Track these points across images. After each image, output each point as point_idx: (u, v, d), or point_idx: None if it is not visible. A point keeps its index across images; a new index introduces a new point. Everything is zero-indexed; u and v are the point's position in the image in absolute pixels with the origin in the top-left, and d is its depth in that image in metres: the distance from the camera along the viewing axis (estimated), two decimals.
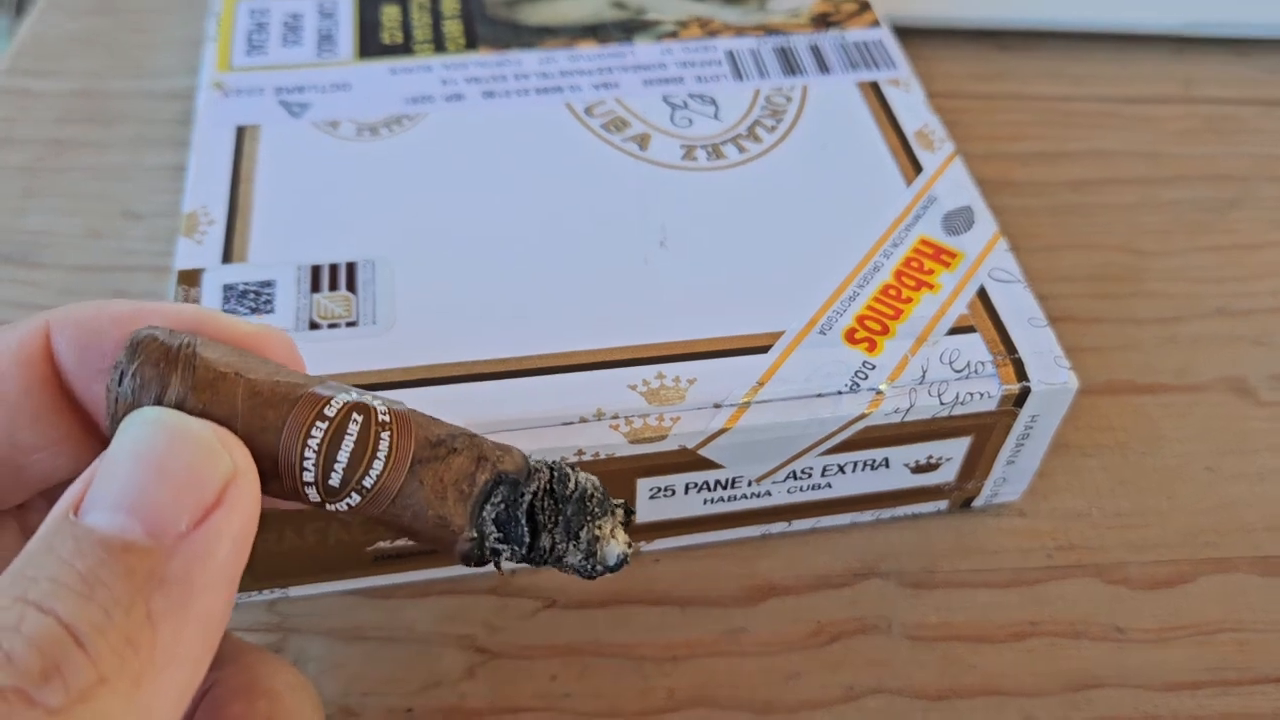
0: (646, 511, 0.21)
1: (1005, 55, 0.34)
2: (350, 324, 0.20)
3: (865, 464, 0.21)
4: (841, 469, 0.21)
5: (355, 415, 0.13)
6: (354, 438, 0.13)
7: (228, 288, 0.21)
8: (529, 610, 0.21)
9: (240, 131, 0.24)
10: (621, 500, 0.15)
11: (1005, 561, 0.23)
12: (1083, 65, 0.34)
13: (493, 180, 0.23)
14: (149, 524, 0.12)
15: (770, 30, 0.27)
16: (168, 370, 0.13)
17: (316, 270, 0.21)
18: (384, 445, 0.13)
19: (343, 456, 0.13)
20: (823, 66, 0.26)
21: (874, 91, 0.26)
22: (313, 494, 0.13)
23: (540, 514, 0.14)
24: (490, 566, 0.14)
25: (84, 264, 0.27)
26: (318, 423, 0.13)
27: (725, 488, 0.21)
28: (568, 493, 0.14)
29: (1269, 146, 0.32)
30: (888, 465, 0.21)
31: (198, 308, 0.15)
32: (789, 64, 0.26)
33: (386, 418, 0.13)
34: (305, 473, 0.13)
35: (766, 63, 0.26)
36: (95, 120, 0.31)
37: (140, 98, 0.32)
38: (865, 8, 0.28)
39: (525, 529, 0.14)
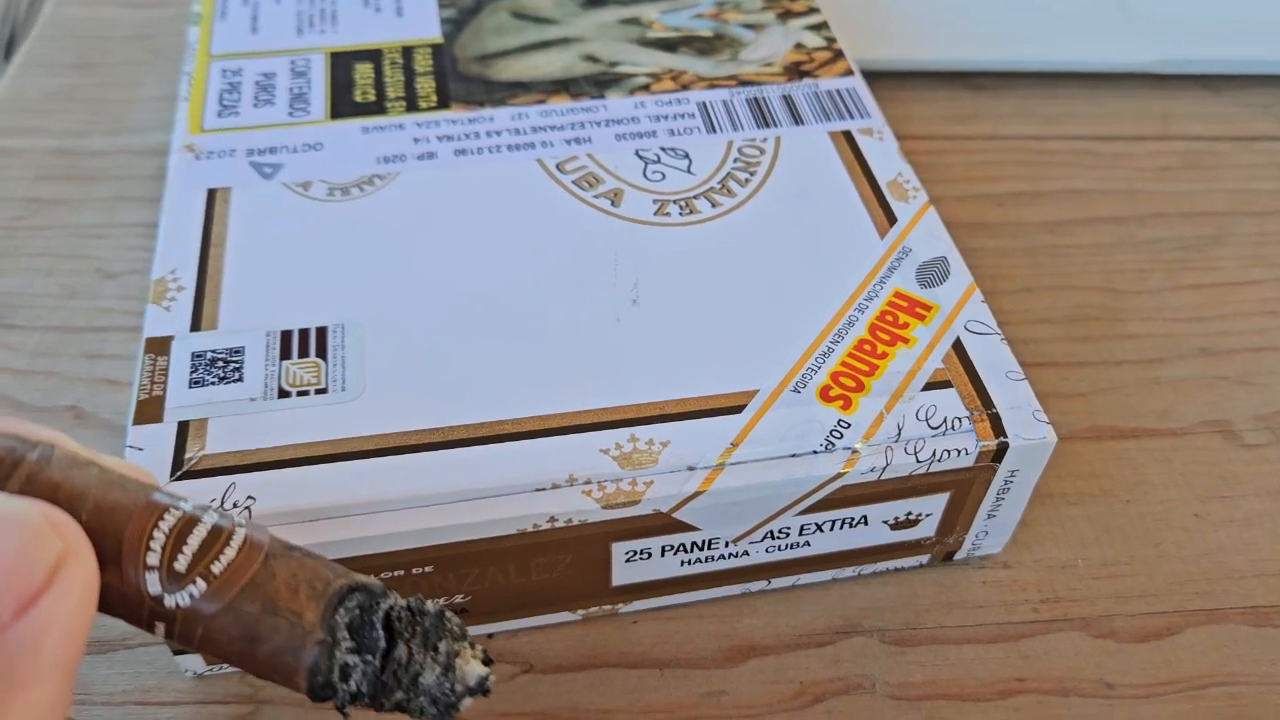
0: (623, 575, 0.21)
1: (979, 96, 0.34)
2: (320, 391, 0.20)
3: (843, 522, 0.21)
4: (819, 527, 0.21)
5: (211, 514, 0.13)
6: (206, 528, 0.13)
7: (196, 355, 0.21)
8: (505, 675, 0.21)
9: (211, 194, 0.24)
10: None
11: (990, 616, 0.22)
12: (1057, 105, 0.34)
13: (463, 240, 0.23)
14: None
15: (743, 81, 0.27)
16: (9, 467, 0.12)
17: (287, 336, 0.21)
18: (236, 538, 0.13)
19: (193, 541, 0.13)
20: (796, 117, 0.26)
21: (847, 141, 0.26)
22: (153, 582, 0.12)
23: (397, 623, 0.13)
24: (334, 697, 0.13)
25: (59, 324, 0.27)
26: (171, 509, 0.13)
27: (702, 549, 0.20)
28: (425, 608, 0.14)
29: (1247, 182, 0.32)
30: (866, 522, 0.21)
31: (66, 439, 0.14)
32: (762, 115, 0.26)
33: (241, 523, 0.13)
34: (150, 554, 0.12)
35: (739, 114, 0.26)
36: (73, 178, 0.31)
37: (118, 154, 0.32)
38: (838, 56, 0.29)
39: (381, 635, 0.13)
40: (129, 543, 0.12)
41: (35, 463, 0.12)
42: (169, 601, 0.13)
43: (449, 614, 0.14)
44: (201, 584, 0.13)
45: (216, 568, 0.13)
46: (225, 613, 0.13)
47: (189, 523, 0.13)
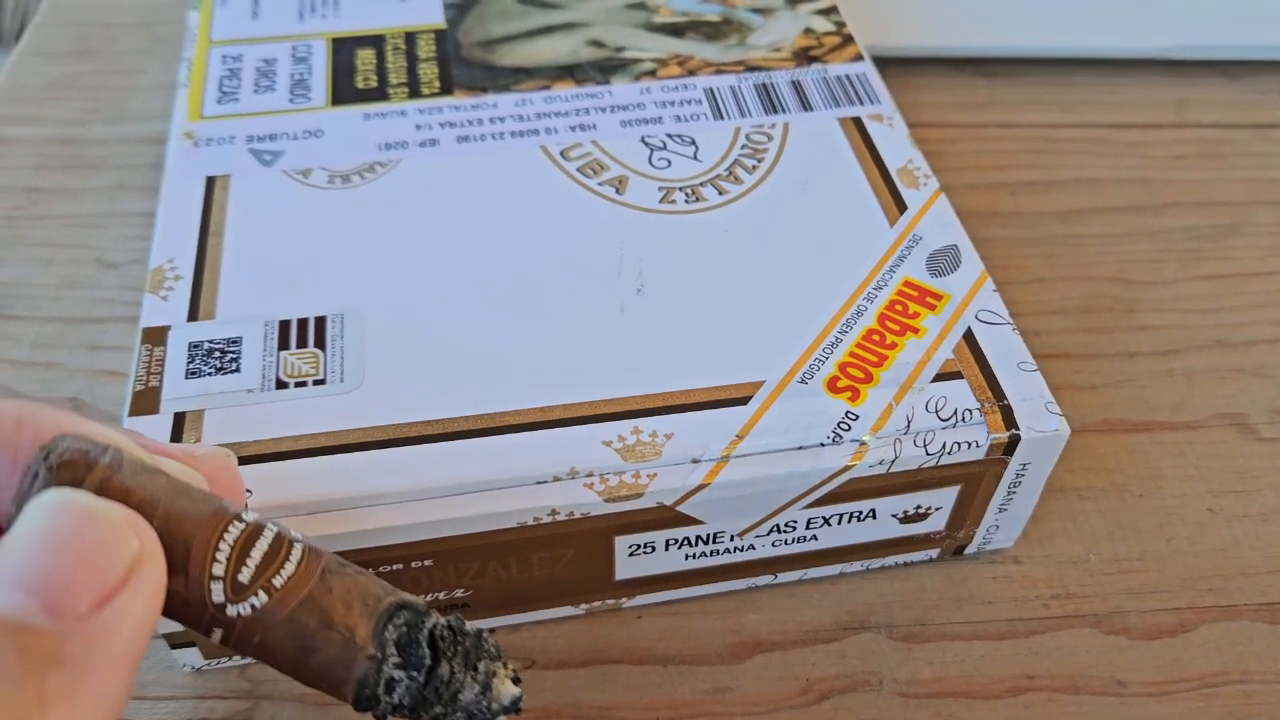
0: (626, 569, 0.20)
1: (992, 83, 0.34)
2: (318, 382, 0.20)
3: (851, 516, 0.20)
4: (827, 521, 0.20)
5: (271, 526, 0.14)
6: (269, 540, 0.14)
7: (193, 345, 0.20)
8: None
9: (210, 182, 0.24)
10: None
11: (1000, 612, 0.22)
12: (1071, 92, 0.34)
13: (466, 228, 0.23)
14: (47, 603, 0.11)
15: (751, 67, 0.27)
16: (84, 470, 0.13)
17: (285, 326, 0.21)
18: (296, 552, 0.14)
19: (256, 554, 0.13)
20: (804, 103, 0.26)
21: (857, 127, 0.25)
22: (217, 591, 0.13)
23: (440, 641, 0.14)
24: (377, 707, 0.14)
25: (58, 315, 0.27)
26: (235, 522, 0.13)
27: (706, 543, 0.20)
28: (465, 628, 0.14)
29: (1264, 170, 0.32)
30: (874, 516, 0.20)
31: (140, 434, 0.15)
32: (770, 101, 0.26)
33: (299, 536, 0.14)
34: (216, 565, 0.13)
35: (747, 100, 0.26)
36: (74, 167, 0.31)
37: (119, 143, 0.31)
38: (848, 41, 0.28)
39: (426, 653, 0.14)
40: (196, 552, 0.13)
41: (107, 466, 0.13)
42: (231, 611, 0.13)
43: (486, 634, 0.14)
44: (264, 596, 0.13)
45: (278, 581, 0.13)
46: (284, 624, 0.13)
47: (253, 534, 0.13)
